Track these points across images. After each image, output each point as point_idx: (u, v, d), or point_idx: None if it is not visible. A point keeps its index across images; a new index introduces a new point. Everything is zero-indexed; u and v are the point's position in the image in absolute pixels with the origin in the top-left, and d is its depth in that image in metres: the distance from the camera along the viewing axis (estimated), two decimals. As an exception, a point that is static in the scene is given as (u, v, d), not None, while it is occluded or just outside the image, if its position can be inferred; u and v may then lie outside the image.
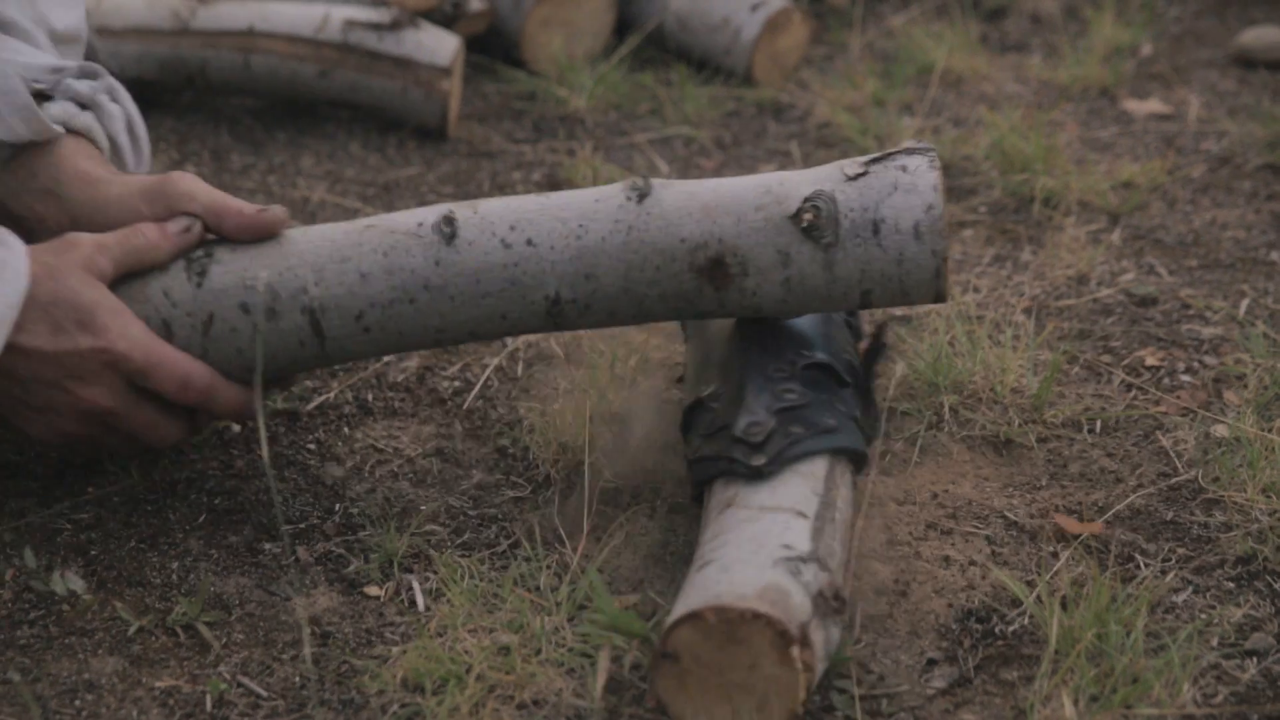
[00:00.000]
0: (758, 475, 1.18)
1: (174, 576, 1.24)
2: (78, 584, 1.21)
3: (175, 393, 1.21)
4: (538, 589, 1.22)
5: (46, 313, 1.18)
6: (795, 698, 1.06)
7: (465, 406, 1.46)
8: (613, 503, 1.33)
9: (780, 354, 1.25)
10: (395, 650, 1.16)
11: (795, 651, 1.04)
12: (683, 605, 1.07)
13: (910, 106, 2.12)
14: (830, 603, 1.09)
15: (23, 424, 1.24)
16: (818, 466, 1.20)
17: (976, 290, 1.65)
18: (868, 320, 1.57)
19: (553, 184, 1.89)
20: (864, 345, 1.35)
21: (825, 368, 1.25)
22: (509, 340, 1.55)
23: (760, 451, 1.18)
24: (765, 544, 1.11)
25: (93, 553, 1.26)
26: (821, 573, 1.10)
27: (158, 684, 1.13)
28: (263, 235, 1.26)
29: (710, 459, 1.21)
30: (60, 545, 1.26)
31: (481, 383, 1.49)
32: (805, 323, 1.30)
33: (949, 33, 2.30)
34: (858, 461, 1.24)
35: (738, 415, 1.21)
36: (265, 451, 1.17)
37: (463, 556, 1.26)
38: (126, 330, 1.20)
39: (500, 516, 1.32)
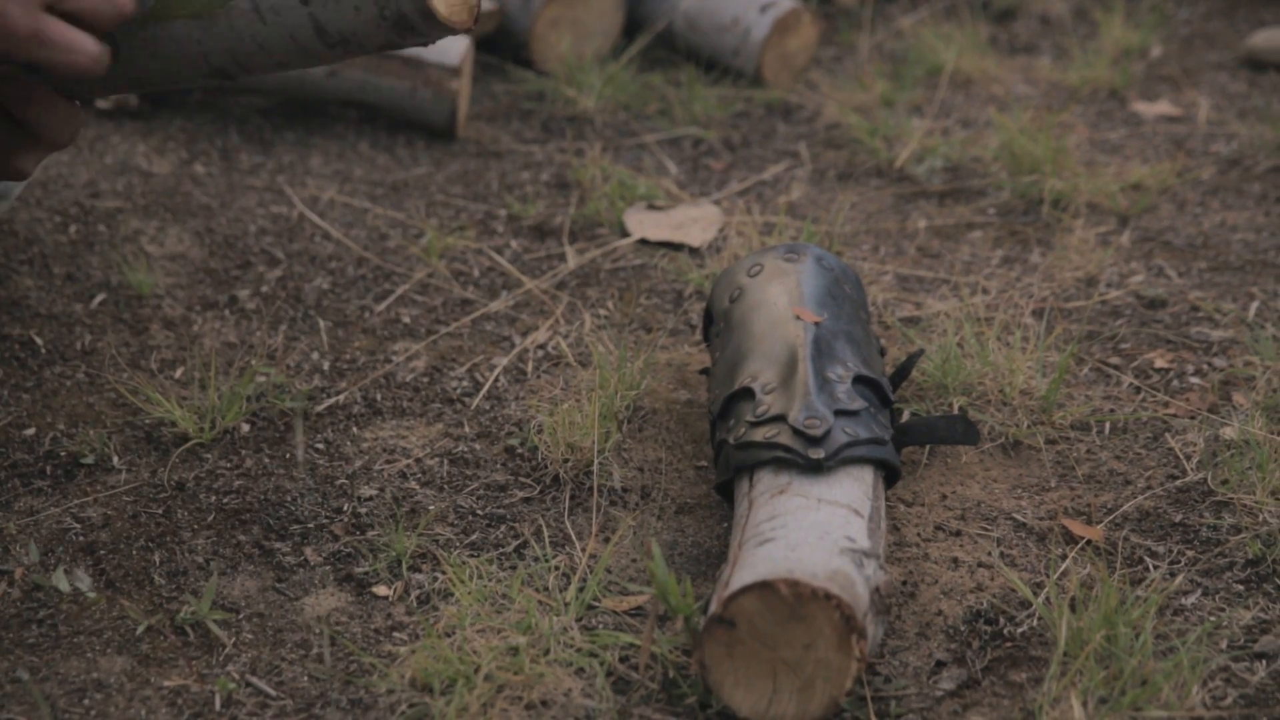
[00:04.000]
0: (815, 468, 1.19)
1: (182, 576, 1.24)
2: (84, 581, 1.21)
3: None
4: (546, 589, 1.22)
5: None
6: (842, 686, 1.07)
7: (474, 406, 1.46)
8: (621, 503, 1.34)
9: (836, 360, 1.27)
10: (404, 650, 1.16)
11: (854, 639, 1.06)
12: (749, 574, 1.08)
13: (919, 108, 2.11)
14: (883, 600, 1.12)
15: None
16: (866, 473, 1.22)
17: (985, 292, 1.65)
18: (896, 345, 1.58)
19: (561, 184, 1.89)
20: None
21: (874, 384, 1.28)
22: (517, 341, 1.56)
23: (819, 445, 1.20)
24: (829, 532, 1.13)
25: (101, 552, 1.26)
26: (879, 570, 1.13)
27: (166, 683, 1.13)
28: None
29: (760, 445, 1.22)
30: (69, 544, 1.26)
31: (490, 383, 1.49)
32: (857, 339, 1.31)
33: (958, 34, 2.30)
34: (890, 479, 1.26)
35: (795, 407, 1.22)
36: (300, 449, 1.17)
37: (471, 557, 1.26)
38: None
39: (509, 517, 1.32)
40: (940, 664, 1.17)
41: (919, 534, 1.30)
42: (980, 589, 1.23)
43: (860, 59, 2.28)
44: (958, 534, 1.30)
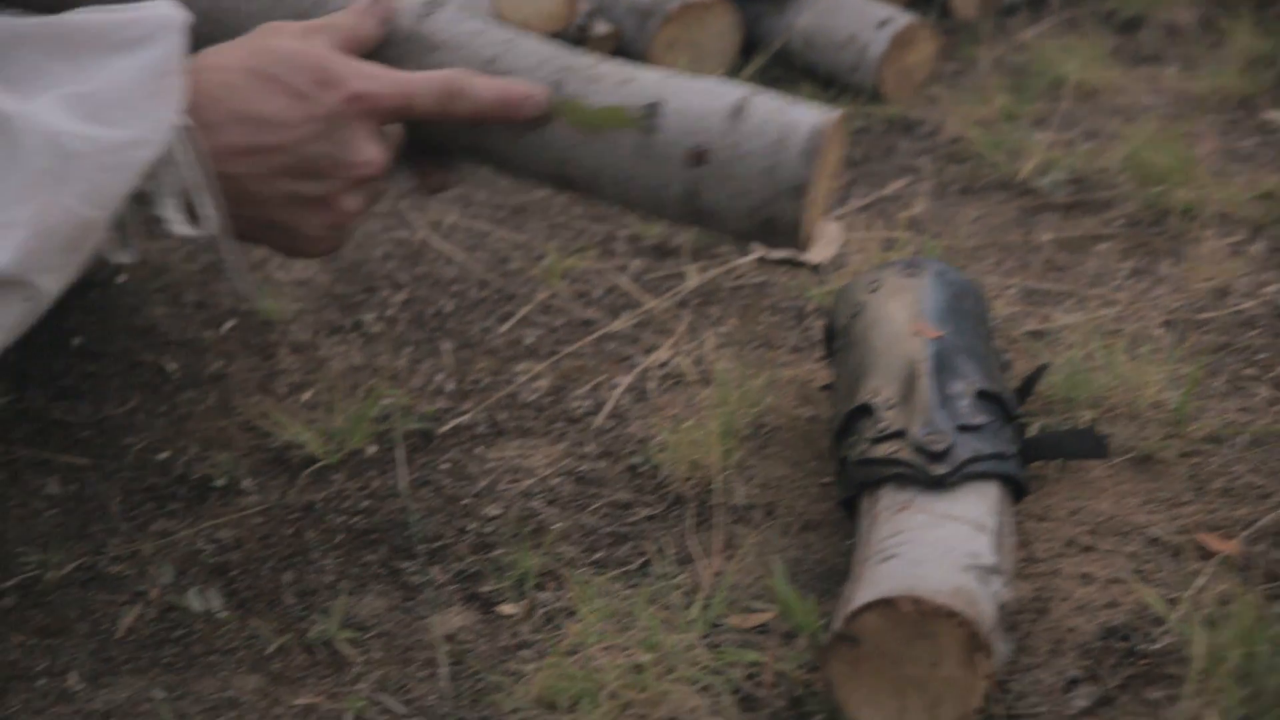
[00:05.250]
0: (937, 484, 1.18)
1: (312, 595, 1.25)
2: (216, 602, 1.23)
3: (440, 105, 1.12)
4: (670, 607, 1.22)
5: (278, 81, 1.07)
6: (969, 704, 1.06)
7: (596, 426, 1.46)
8: (745, 520, 1.33)
9: (958, 376, 1.26)
10: (530, 668, 1.16)
11: (980, 657, 1.04)
12: (871, 591, 1.07)
13: (1042, 120, 2.09)
14: (1010, 617, 1.11)
15: (290, 239, 1.13)
16: (990, 489, 1.20)
17: (1114, 304, 1.62)
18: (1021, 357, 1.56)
19: (681, 204, 1.89)
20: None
21: (997, 399, 1.27)
22: (639, 360, 1.56)
23: (941, 461, 1.19)
24: (953, 549, 1.12)
25: (233, 573, 1.28)
26: (1005, 587, 1.11)
27: (297, 701, 1.15)
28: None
29: (881, 462, 1.21)
30: (202, 565, 1.28)
31: (613, 402, 1.49)
32: (979, 354, 1.30)
33: (1081, 45, 2.27)
34: (1017, 495, 1.25)
35: (917, 423, 1.22)
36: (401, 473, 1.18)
37: (595, 575, 1.26)
38: (362, 70, 1.09)
39: (632, 535, 1.32)
40: (1074, 681, 1.14)
41: (1049, 550, 1.28)
42: (1113, 605, 1.21)
43: (981, 73, 2.26)
44: (1089, 549, 1.27)
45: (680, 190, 1.11)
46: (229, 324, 1.62)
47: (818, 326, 1.61)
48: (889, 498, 1.20)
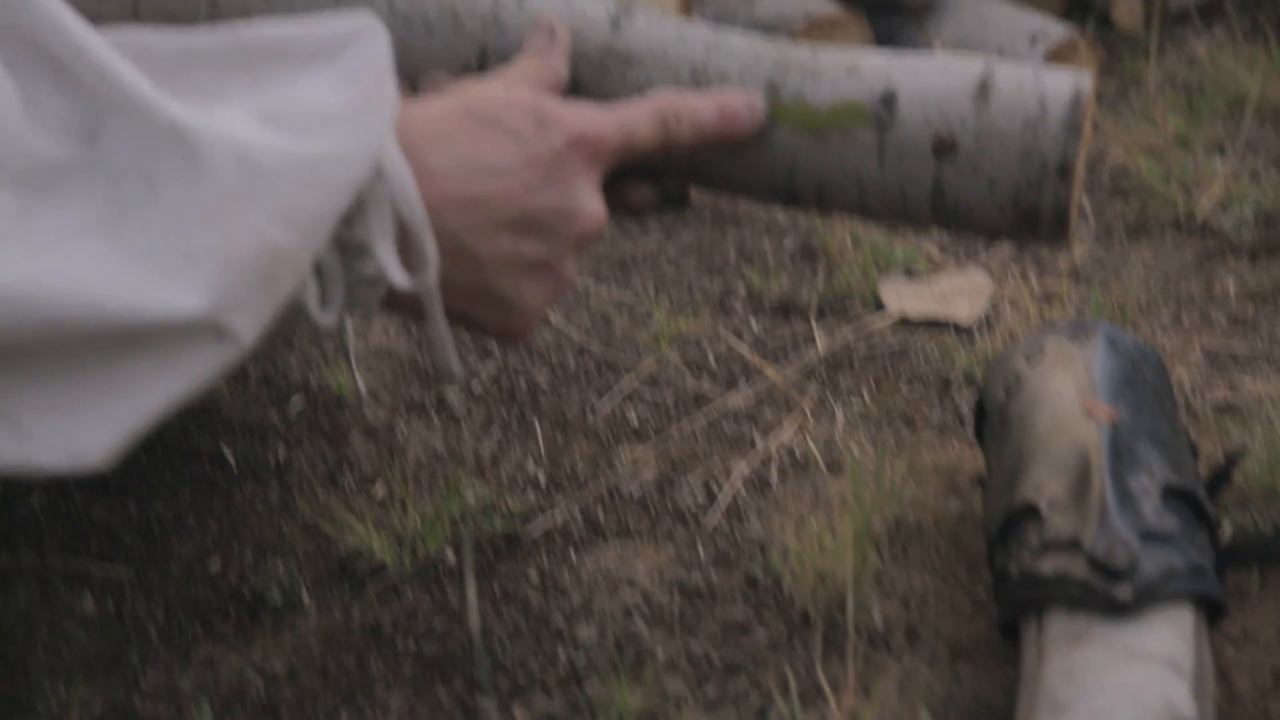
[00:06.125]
0: (1120, 610, 0.98)
1: (371, 746, 1.07)
2: (256, 765, 1.06)
3: (661, 136, 1.01)
4: (795, 764, 1.02)
5: (498, 124, 0.95)
6: None
7: (710, 525, 1.27)
8: (883, 646, 1.12)
9: (1139, 467, 1.06)
10: (624, 845, 0.97)
11: None
12: None
13: (1221, 146, 1.86)
14: None
15: (504, 313, 1.00)
16: (1184, 614, 0.99)
17: (1316, 366, 1.39)
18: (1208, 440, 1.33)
19: (807, 252, 1.69)
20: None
21: (1189, 496, 1.06)
22: (758, 441, 1.36)
23: (1124, 581, 0.98)
24: (1144, 700, 0.92)
25: (285, 715, 1.10)
26: None
27: None
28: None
29: (1049, 580, 1.01)
30: (249, 703, 1.11)
31: (728, 495, 1.29)
32: (1163, 438, 1.09)
33: (1263, 58, 2.04)
34: (1213, 617, 1.03)
35: (1092, 530, 1.01)
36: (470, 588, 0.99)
37: (707, 717, 1.06)
38: (580, 110, 0.98)
39: (750, 665, 1.12)
40: None
41: (1255, 684, 1.06)
42: (1342, 761, 0.99)
43: (1148, 91, 2.04)
44: (1304, 684, 1.05)
45: (926, 188, 1.01)
46: (297, 403, 1.44)
47: (965, 399, 1.40)
48: (1060, 625, 0.99)
